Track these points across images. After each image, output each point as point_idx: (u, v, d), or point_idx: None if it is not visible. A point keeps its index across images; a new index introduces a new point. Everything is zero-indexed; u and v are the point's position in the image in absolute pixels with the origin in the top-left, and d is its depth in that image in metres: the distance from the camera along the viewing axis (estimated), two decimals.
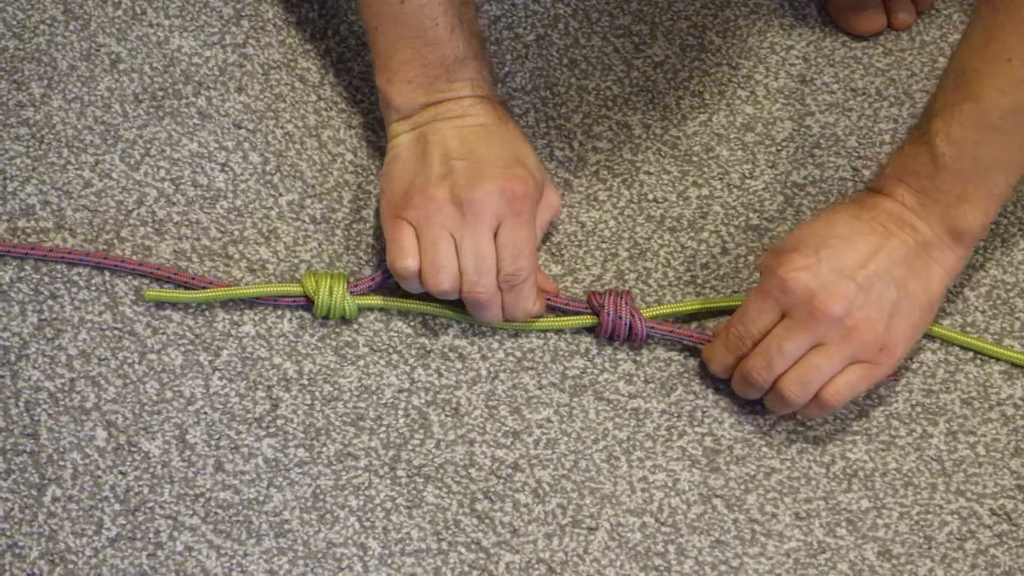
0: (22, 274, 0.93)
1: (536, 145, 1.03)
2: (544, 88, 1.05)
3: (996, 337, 1.00)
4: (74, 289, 0.93)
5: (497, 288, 0.90)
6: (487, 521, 0.90)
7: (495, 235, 0.89)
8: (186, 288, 0.93)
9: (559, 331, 0.95)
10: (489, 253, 0.89)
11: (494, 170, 0.89)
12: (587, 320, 0.95)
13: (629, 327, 0.93)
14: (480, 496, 0.90)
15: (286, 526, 0.88)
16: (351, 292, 0.93)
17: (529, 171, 0.91)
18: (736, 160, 1.05)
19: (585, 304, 0.95)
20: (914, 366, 0.98)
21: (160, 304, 0.93)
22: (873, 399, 0.96)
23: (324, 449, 0.90)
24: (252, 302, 0.94)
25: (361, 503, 0.89)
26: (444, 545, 0.89)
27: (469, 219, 0.88)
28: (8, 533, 0.86)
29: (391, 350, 0.94)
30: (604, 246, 1.00)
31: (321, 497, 0.89)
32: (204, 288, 0.92)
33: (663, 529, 0.91)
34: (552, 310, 0.95)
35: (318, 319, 0.94)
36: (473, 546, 0.89)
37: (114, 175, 0.98)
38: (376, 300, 0.94)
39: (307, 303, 0.93)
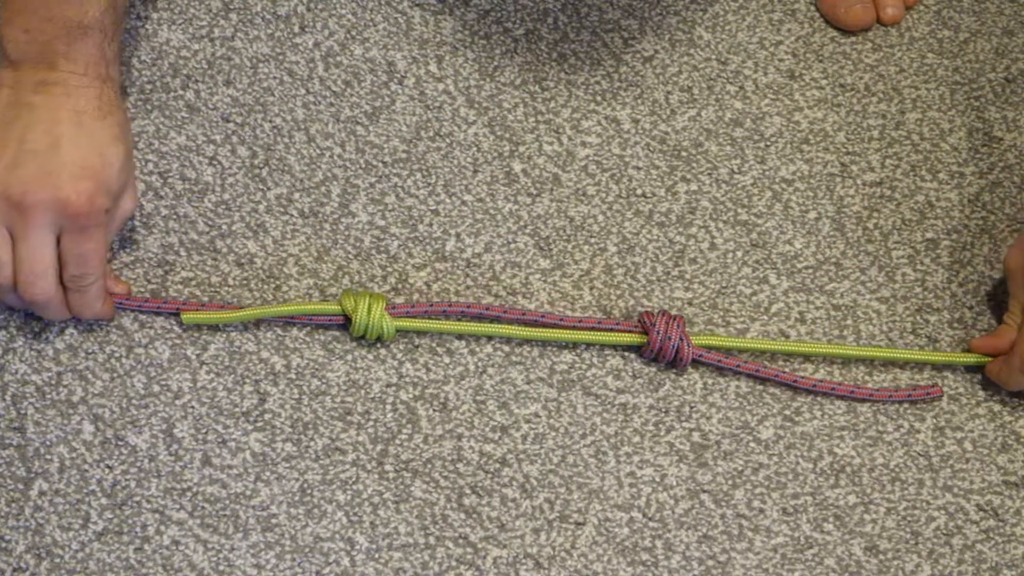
0: None
1: (524, 140, 1.03)
2: (533, 83, 1.05)
3: (983, 333, 1.00)
4: None
5: (57, 289, 0.86)
6: (475, 516, 0.90)
7: (60, 238, 0.85)
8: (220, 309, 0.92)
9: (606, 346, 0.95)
10: (45, 256, 0.85)
11: (64, 178, 0.84)
12: (634, 338, 0.94)
13: (676, 350, 0.93)
14: (468, 491, 0.90)
15: (273, 520, 0.88)
16: (389, 313, 0.92)
17: (104, 184, 0.86)
18: (724, 155, 1.05)
19: (635, 323, 0.95)
20: (901, 362, 0.98)
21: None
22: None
23: (312, 444, 0.90)
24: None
25: (348, 498, 0.89)
26: (431, 540, 0.89)
27: (27, 220, 0.84)
28: None
29: (379, 344, 0.94)
30: (593, 240, 1.00)
31: (308, 492, 0.89)
32: (240, 308, 0.92)
33: (651, 524, 0.91)
34: (599, 328, 0.95)
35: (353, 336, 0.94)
36: (460, 541, 0.89)
37: None
38: (414, 323, 0.93)
39: (344, 322, 0.93)
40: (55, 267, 0.85)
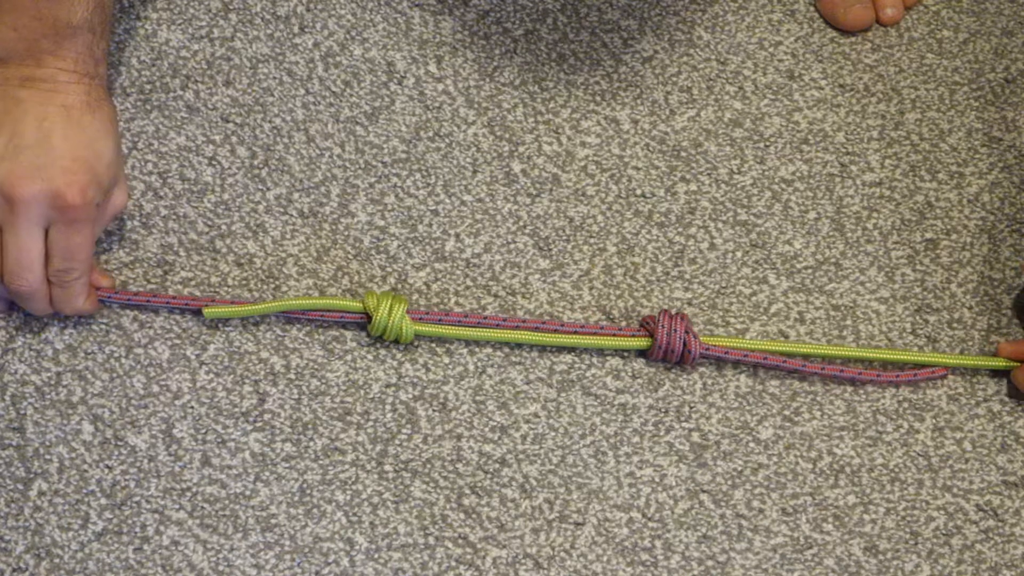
0: None
1: (524, 140, 1.03)
2: (533, 83, 1.05)
3: (983, 333, 1.00)
4: None
5: (42, 281, 0.87)
6: (474, 516, 0.90)
7: (48, 231, 0.85)
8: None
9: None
10: (33, 248, 0.85)
11: (56, 171, 0.84)
12: (640, 342, 0.94)
13: (684, 344, 0.93)
14: (467, 491, 0.90)
15: (273, 521, 0.88)
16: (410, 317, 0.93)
17: (95, 177, 0.86)
18: (724, 156, 1.05)
19: (638, 327, 0.95)
20: (901, 364, 0.98)
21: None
22: (860, 395, 0.97)
23: (311, 444, 0.90)
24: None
25: (348, 498, 0.89)
26: (431, 540, 0.89)
27: (17, 213, 0.84)
28: None
29: (379, 344, 0.94)
30: (592, 241, 1.00)
31: (308, 492, 0.89)
32: (262, 302, 0.92)
33: (650, 524, 0.91)
34: (604, 333, 0.95)
35: (373, 336, 0.94)
36: (460, 541, 0.89)
37: None
38: (433, 328, 0.93)
39: (365, 320, 0.93)
40: (42, 260, 0.85)
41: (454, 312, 0.95)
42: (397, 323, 0.92)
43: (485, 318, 0.94)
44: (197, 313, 0.93)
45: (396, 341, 0.93)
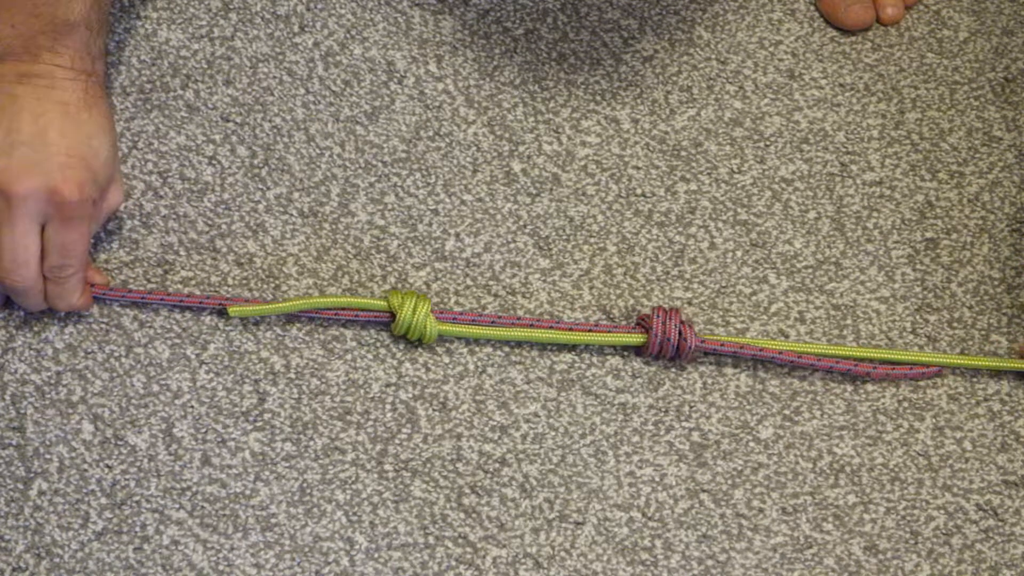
0: None
1: (524, 140, 1.03)
2: (533, 82, 1.05)
3: (983, 333, 1.00)
4: None
5: (38, 277, 0.87)
6: (474, 515, 0.90)
7: (44, 227, 0.85)
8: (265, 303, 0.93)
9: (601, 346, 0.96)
10: (29, 244, 0.85)
11: (52, 167, 0.84)
12: (636, 339, 0.94)
13: (679, 334, 0.93)
14: (467, 491, 0.90)
15: (273, 520, 0.88)
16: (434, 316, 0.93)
17: (92, 173, 0.86)
18: (724, 155, 1.05)
19: (634, 325, 0.95)
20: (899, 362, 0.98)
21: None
22: (860, 394, 0.97)
23: (311, 443, 0.90)
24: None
25: (348, 497, 0.89)
26: (431, 539, 0.89)
27: (13, 208, 0.84)
28: None
29: (379, 344, 0.94)
30: (592, 240, 1.00)
31: (308, 491, 0.89)
32: (286, 300, 0.93)
33: (650, 524, 0.91)
34: (599, 329, 0.95)
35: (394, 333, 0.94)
36: (460, 540, 0.89)
37: None
38: (457, 328, 0.93)
39: (389, 319, 0.93)
40: (38, 256, 0.85)
41: (488, 313, 0.95)
42: (421, 322, 0.92)
43: (519, 319, 0.94)
44: (221, 313, 0.93)
45: (420, 340, 0.93)
